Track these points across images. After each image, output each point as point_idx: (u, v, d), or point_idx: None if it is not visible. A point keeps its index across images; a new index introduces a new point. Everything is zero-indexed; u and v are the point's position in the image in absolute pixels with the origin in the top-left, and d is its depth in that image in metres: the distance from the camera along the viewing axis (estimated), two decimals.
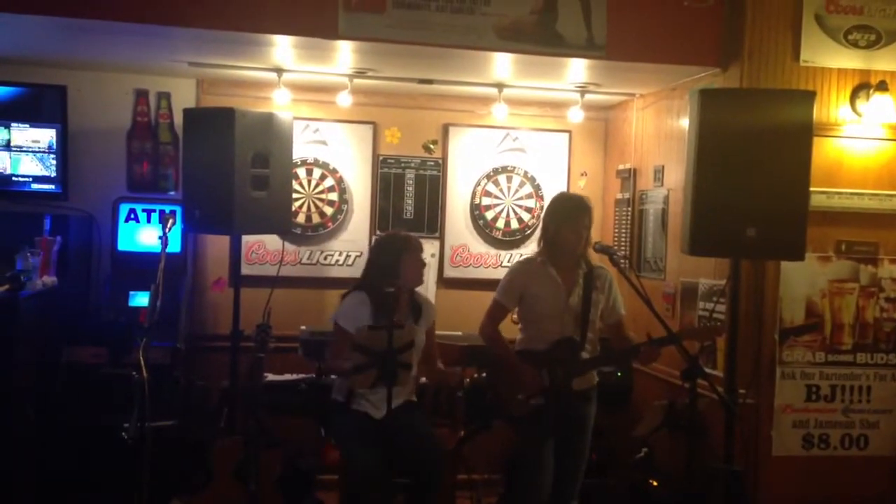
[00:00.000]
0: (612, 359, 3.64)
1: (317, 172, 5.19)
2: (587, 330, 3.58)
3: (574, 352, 3.55)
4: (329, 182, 5.21)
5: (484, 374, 3.91)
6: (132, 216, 4.87)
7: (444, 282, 5.34)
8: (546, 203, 5.34)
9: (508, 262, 5.36)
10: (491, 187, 5.37)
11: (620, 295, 3.73)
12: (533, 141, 5.44)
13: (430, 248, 5.34)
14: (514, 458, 3.65)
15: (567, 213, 3.57)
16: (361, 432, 3.52)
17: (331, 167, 5.21)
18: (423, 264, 3.83)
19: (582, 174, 5.58)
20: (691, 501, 3.56)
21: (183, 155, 4.59)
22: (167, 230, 3.49)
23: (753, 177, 3.25)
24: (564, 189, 5.45)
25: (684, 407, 3.01)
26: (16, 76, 4.69)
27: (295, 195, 5.11)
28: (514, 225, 5.40)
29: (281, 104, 4.83)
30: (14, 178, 4.71)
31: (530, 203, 5.42)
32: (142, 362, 3.13)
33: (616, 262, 3.46)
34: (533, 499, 3.50)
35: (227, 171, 4.30)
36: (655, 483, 4.25)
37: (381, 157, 5.29)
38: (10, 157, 4.69)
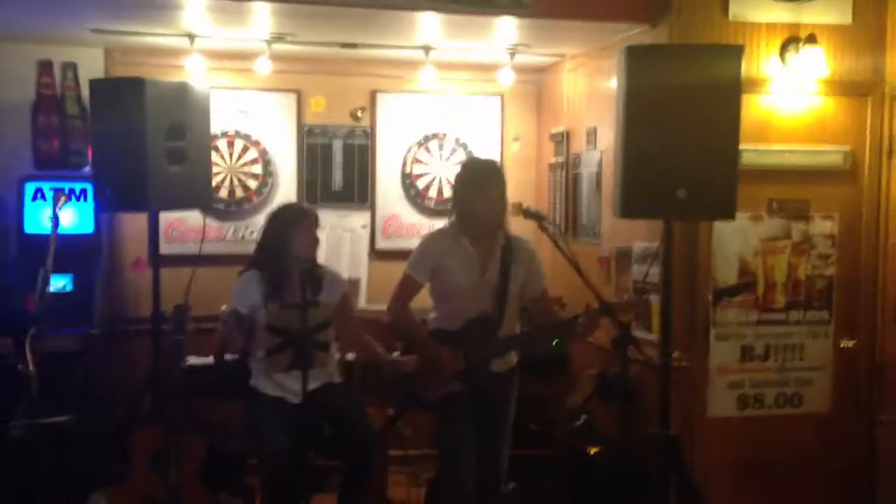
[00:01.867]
0: (536, 336, 3.53)
1: (238, 144, 5.03)
2: (505, 306, 3.44)
3: (491, 330, 3.41)
4: (252, 154, 5.05)
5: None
6: (39, 196, 4.64)
7: (376, 254, 5.24)
8: None
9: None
10: (422, 155, 5.27)
11: (543, 266, 3.64)
12: (464, 106, 5.35)
13: (360, 220, 5.25)
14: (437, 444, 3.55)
15: (477, 184, 3.42)
16: (277, 419, 3.37)
17: (253, 138, 5.05)
18: (316, 238, 3.65)
19: (515, 138, 5.51)
20: (630, 468, 3.57)
21: (91, 129, 4.38)
22: (57, 209, 3.28)
23: (683, 135, 3.20)
24: (498, 154, 5.38)
25: (615, 375, 2.97)
26: None
27: (216, 169, 4.96)
28: (448, 193, 5.31)
29: (196, 72, 4.63)
30: None
31: None
32: (28, 354, 2.94)
33: (545, 228, 3.37)
34: (456, 486, 3.39)
35: (139, 144, 4.09)
36: (594, 451, 4.26)
37: (306, 127, 5.15)
38: None
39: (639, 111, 3.25)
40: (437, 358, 3.39)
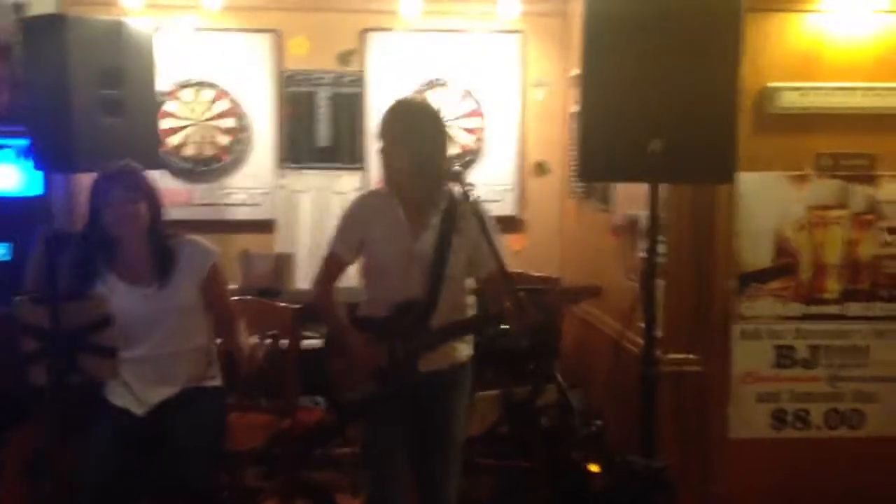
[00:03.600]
0: (467, 327, 2.78)
1: (207, 94, 4.47)
2: (441, 288, 2.72)
3: (420, 319, 2.70)
4: (222, 105, 4.47)
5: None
6: None
7: None
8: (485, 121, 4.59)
9: None
10: None
11: (499, 238, 2.89)
12: (473, 46, 4.57)
13: (351, 182, 4.60)
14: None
15: (380, 131, 2.73)
16: (106, 441, 2.63)
17: (224, 88, 4.46)
18: (129, 205, 2.73)
19: (538, 84, 4.69)
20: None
21: (22, 78, 3.92)
22: None
23: (663, 70, 2.37)
24: (516, 105, 4.60)
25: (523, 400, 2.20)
26: None
27: (180, 122, 4.44)
28: (453, 150, 4.57)
29: (142, 10, 4.09)
30: None
31: (471, 122, 4.59)
32: None
33: (465, 194, 2.63)
34: None
35: (63, 93, 3.60)
36: (593, 468, 3.49)
37: (286, 74, 4.52)
38: None
39: (604, 39, 2.43)
40: (350, 351, 2.74)
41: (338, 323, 2.84)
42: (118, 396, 2.67)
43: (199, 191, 4.53)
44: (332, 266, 2.87)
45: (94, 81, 3.68)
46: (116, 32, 3.78)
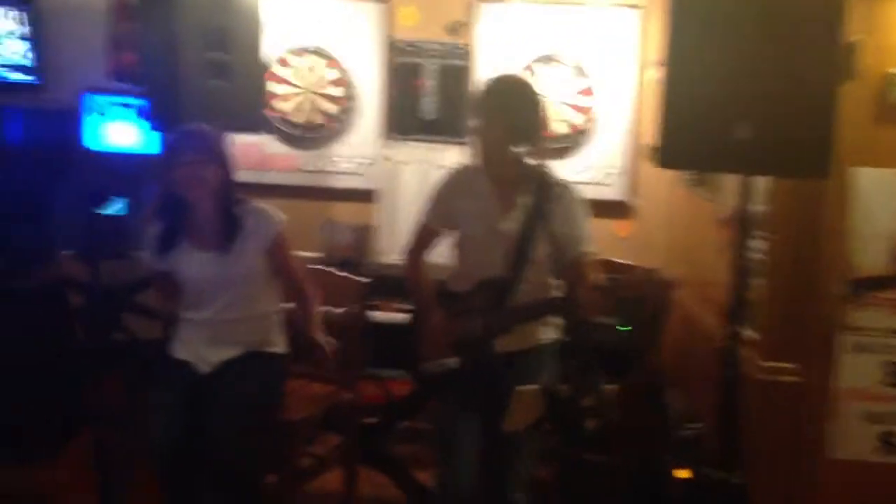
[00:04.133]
0: (527, 313, 2.67)
1: (318, 62, 4.49)
2: (524, 268, 2.66)
3: (500, 298, 2.66)
4: (332, 74, 4.49)
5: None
6: (103, 111, 4.44)
7: None
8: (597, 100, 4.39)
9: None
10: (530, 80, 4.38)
11: (585, 225, 2.77)
12: (588, 20, 4.38)
13: (454, 155, 4.51)
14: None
15: (479, 105, 2.70)
16: (172, 394, 2.70)
17: (332, 55, 4.48)
18: (197, 166, 2.72)
19: (657, 64, 4.43)
20: None
21: (140, 38, 4.06)
22: None
23: (753, 55, 2.15)
24: (631, 83, 4.38)
25: (567, 397, 2.06)
26: None
27: (290, 90, 4.49)
28: (562, 129, 4.42)
29: None
30: None
31: (583, 101, 4.40)
32: None
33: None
34: (444, 488, 2.69)
35: (171, 55, 3.73)
36: (682, 475, 3.30)
37: (394, 44, 4.48)
38: None
39: (693, 18, 2.23)
40: (427, 323, 2.75)
41: (420, 294, 2.85)
42: (183, 352, 2.73)
43: (305, 157, 4.59)
44: (422, 235, 2.90)
45: (201, 44, 3.78)
46: None
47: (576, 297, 2.52)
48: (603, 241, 4.38)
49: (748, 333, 2.95)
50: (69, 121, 4.40)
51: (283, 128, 4.52)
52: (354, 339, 3.06)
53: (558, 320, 2.79)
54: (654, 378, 3.97)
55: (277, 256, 2.83)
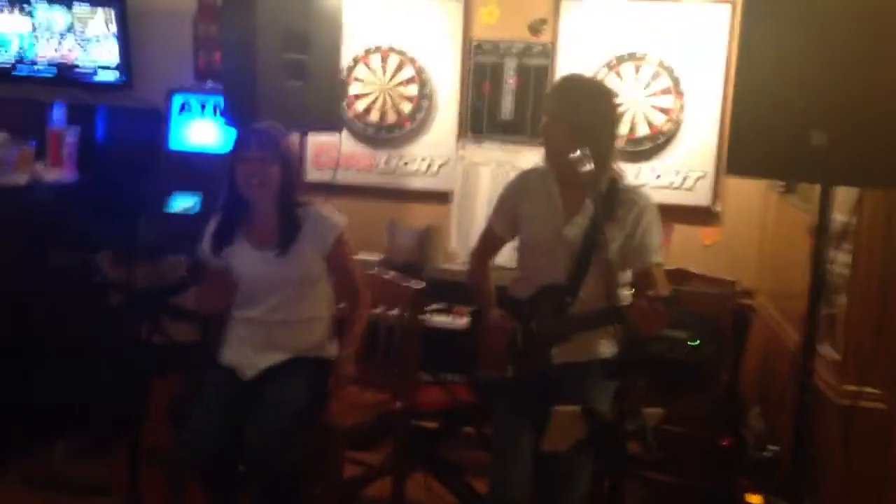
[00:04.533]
0: (592, 321, 2.56)
1: (393, 61, 4.47)
2: (585, 276, 2.58)
3: (560, 305, 2.58)
4: (408, 72, 4.47)
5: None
6: (187, 110, 4.55)
7: None
8: (683, 101, 4.21)
9: (634, 178, 4.26)
10: (612, 80, 4.25)
11: (657, 234, 2.65)
12: (675, 16, 4.21)
13: (533, 157, 4.39)
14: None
15: (555, 106, 2.64)
16: (215, 399, 2.69)
17: (410, 55, 4.45)
18: (259, 164, 2.72)
19: None
20: None
21: (222, 38, 4.14)
22: None
23: (830, 58, 1.99)
24: (721, 84, 4.17)
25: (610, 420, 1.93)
26: None
27: (367, 88, 4.50)
28: (643, 131, 4.27)
29: None
30: (79, 67, 4.60)
31: (666, 101, 4.24)
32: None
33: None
34: (498, 496, 2.61)
35: (250, 56, 3.81)
36: (758, 499, 3.12)
37: (474, 43, 4.42)
38: (76, 42, 4.57)
39: (767, 17, 2.09)
40: (490, 330, 2.70)
41: (481, 298, 2.80)
42: (229, 356, 2.74)
43: (381, 157, 4.58)
44: (488, 240, 2.87)
45: (280, 45, 3.83)
46: None
47: (636, 310, 2.40)
48: (686, 248, 4.28)
49: (830, 354, 2.76)
50: (155, 120, 4.52)
51: (358, 127, 4.52)
52: (408, 344, 3.01)
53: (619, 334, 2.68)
54: (732, 396, 3.78)
55: (336, 262, 2.81)
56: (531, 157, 4.40)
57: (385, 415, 2.95)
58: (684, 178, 4.26)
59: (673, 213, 4.27)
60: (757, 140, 2.11)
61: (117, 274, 2.38)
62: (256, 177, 2.70)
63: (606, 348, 2.66)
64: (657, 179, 4.28)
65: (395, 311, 3.08)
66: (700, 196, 4.27)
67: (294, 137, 4.38)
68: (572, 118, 2.60)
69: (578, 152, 2.46)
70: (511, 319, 2.66)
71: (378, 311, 3.01)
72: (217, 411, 2.61)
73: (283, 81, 3.85)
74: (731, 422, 3.73)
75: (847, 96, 1.98)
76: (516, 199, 2.78)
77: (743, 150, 2.15)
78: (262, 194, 2.73)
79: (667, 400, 3.18)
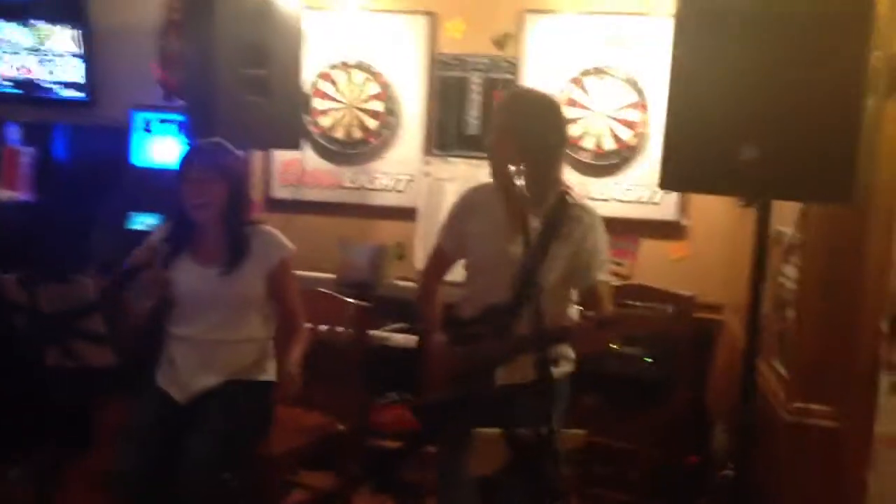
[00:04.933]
0: (529, 343, 2.49)
1: (358, 76, 4.46)
2: (531, 295, 2.47)
3: (505, 326, 2.51)
4: (373, 88, 4.45)
5: None
6: (149, 127, 4.53)
7: None
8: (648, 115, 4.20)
9: (600, 193, 4.25)
10: (578, 95, 4.24)
11: (604, 250, 2.62)
12: (641, 30, 4.20)
13: None
14: None
15: (501, 122, 2.62)
16: (145, 422, 2.64)
17: (374, 70, 4.44)
18: (204, 182, 2.69)
19: None
20: None
21: (183, 54, 4.12)
22: None
23: (763, 70, 1.97)
24: None
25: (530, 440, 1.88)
26: None
27: (332, 104, 4.49)
28: (609, 145, 4.25)
29: None
30: (41, 84, 4.59)
31: (632, 115, 4.22)
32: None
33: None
34: None
35: (208, 71, 3.79)
36: None
37: (439, 58, 4.41)
38: (38, 61, 4.56)
39: (698, 29, 2.07)
40: (428, 351, 2.66)
41: (426, 320, 2.75)
42: (163, 379, 2.70)
43: (347, 173, 4.56)
44: (437, 259, 2.82)
45: (239, 60, 3.81)
46: (264, 10, 3.88)
47: (578, 330, 2.36)
48: (654, 263, 4.25)
49: (780, 370, 2.72)
50: (117, 137, 4.50)
51: (323, 143, 4.50)
52: (352, 364, 2.97)
53: (566, 351, 2.64)
54: (698, 412, 3.75)
55: (277, 283, 2.77)
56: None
57: (330, 437, 2.90)
58: (652, 193, 4.23)
59: (640, 228, 4.27)
60: (689, 155, 2.08)
61: (22, 296, 2.34)
62: (200, 196, 2.67)
63: (558, 368, 2.60)
64: (624, 193, 4.26)
65: (340, 329, 3.04)
66: (667, 210, 4.24)
67: (256, 154, 4.41)
68: (518, 134, 2.57)
69: (522, 166, 2.44)
70: (454, 341, 2.61)
71: (323, 328, 2.98)
72: (147, 441, 2.55)
73: (243, 97, 3.83)
74: (698, 439, 3.70)
75: (779, 111, 1.95)
76: (464, 216, 2.74)
77: (676, 165, 2.12)
78: (206, 213, 2.70)
79: (622, 417, 3.18)
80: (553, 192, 2.62)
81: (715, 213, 4.21)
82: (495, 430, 1.86)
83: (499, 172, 2.66)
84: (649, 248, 4.29)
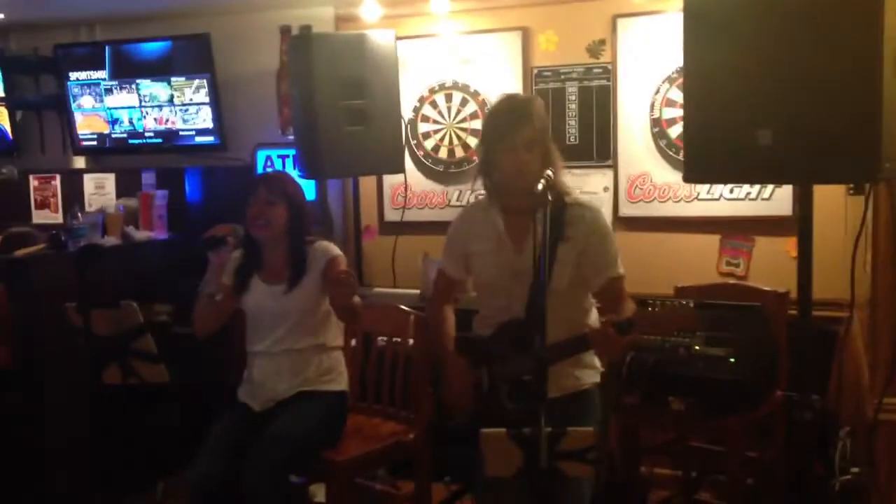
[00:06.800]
0: (557, 354, 2.38)
1: (457, 97, 4.64)
2: (544, 303, 2.29)
3: (521, 342, 2.42)
4: (471, 108, 4.62)
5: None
6: (269, 163, 4.92)
7: (621, 222, 4.37)
8: None
9: (707, 194, 4.18)
10: (675, 94, 4.20)
11: (613, 245, 2.58)
12: None
13: (601, 181, 4.44)
14: None
15: (496, 130, 2.55)
16: (225, 430, 2.90)
17: (472, 89, 4.60)
18: (266, 206, 2.99)
19: None
20: None
21: (291, 92, 4.47)
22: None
23: (775, 58, 1.95)
24: None
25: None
26: (161, 31, 5.05)
27: (434, 126, 4.69)
28: None
29: (383, 21, 4.40)
30: (179, 133, 5.11)
31: None
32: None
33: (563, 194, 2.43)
34: None
35: (309, 105, 4.12)
36: None
37: (534, 70, 4.51)
38: (175, 112, 5.08)
39: (708, 22, 2.08)
40: (450, 376, 2.66)
41: (440, 344, 2.75)
42: (243, 394, 2.99)
43: (453, 193, 4.73)
44: (442, 284, 2.82)
45: (338, 93, 4.11)
46: (358, 44, 4.17)
47: (597, 335, 2.35)
48: (772, 262, 4.09)
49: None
50: (243, 174, 4.91)
51: (428, 164, 4.70)
52: (420, 374, 3.11)
53: (591, 360, 2.62)
54: (823, 416, 3.59)
55: (328, 276, 2.94)
56: (599, 181, 4.45)
57: (400, 444, 3.05)
58: (762, 187, 4.10)
59: (752, 226, 4.14)
60: (708, 146, 2.07)
61: (78, 321, 2.68)
62: (262, 217, 2.93)
63: (586, 378, 2.59)
64: (733, 190, 4.15)
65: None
66: (781, 205, 4.09)
67: (365, 180, 4.68)
68: (544, 138, 2.56)
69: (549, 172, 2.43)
70: (474, 363, 2.60)
71: (396, 341, 3.14)
72: (223, 449, 2.80)
73: (344, 128, 4.12)
74: (822, 444, 3.54)
75: (796, 96, 1.91)
76: (463, 238, 2.71)
77: (698, 158, 2.11)
78: (266, 231, 2.96)
79: (708, 421, 3.12)
80: (550, 194, 2.38)
81: (834, 204, 4.01)
82: (500, 430, 1.91)
83: (493, 185, 2.61)
84: (765, 245, 4.16)
